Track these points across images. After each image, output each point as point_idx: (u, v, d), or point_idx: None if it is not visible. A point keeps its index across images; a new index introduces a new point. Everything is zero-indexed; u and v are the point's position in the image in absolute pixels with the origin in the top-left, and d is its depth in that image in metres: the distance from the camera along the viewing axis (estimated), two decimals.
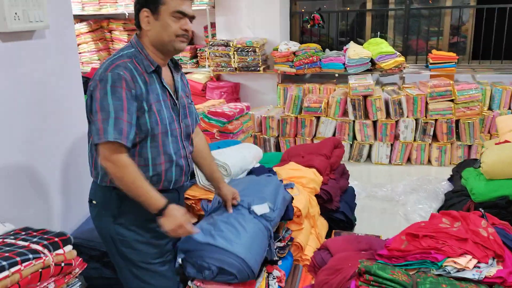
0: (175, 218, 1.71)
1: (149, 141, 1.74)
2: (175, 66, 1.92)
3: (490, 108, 4.89)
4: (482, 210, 1.93)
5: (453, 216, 1.78)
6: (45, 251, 1.50)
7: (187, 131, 1.90)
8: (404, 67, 5.13)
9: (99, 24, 6.26)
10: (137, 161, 1.74)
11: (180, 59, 5.92)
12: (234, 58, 5.45)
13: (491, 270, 1.54)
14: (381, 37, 5.72)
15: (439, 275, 1.55)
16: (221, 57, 5.54)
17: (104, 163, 1.66)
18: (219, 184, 2.16)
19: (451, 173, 4.06)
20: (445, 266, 1.57)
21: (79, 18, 6.10)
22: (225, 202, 2.19)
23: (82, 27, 6.05)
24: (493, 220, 1.91)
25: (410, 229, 1.75)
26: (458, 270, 1.55)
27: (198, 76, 5.80)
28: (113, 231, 1.81)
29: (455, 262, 1.56)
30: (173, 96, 1.82)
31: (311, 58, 5.21)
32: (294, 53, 5.30)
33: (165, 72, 1.84)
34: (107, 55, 6.10)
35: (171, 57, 1.87)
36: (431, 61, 5.08)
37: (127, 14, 5.89)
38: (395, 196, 4.05)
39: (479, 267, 1.56)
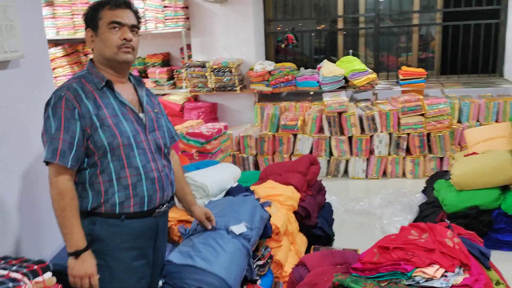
0: (88, 266, 1.68)
1: (109, 155, 1.73)
2: (138, 82, 1.93)
3: (459, 121, 5.07)
4: (448, 221, 2.02)
5: (421, 227, 1.87)
6: (25, 279, 1.51)
7: (157, 144, 1.86)
8: (376, 84, 5.30)
9: (74, 48, 6.27)
10: (101, 179, 1.73)
11: (157, 81, 5.97)
12: (210, 78, 5.53)
13: (457, 278, 1.62)
14: (353, 54, 5.89)
15: (409, 285, 1.63)
16: (198, 78, 5.61)
17: (49, 184, 1.70)
18: (191, 206, 2.17)
19: (425, 185, 4.19)
20: (414, 276, 1.65)
21: (54, 43, 6.10)
22: (200, 223, 2.21)
23: (58, 51, 6.04)
24: (459, 230, 2.01)
25: (382, 242, 1.82)
26: (427, 280, 1.63)
27: (176, 97, 5.85)
28: None
29: (423, 272, 1.64)
30: (134, 110, 1.81)
31: (286, 77, 5.33)
32: (269, 72, 5.41)
33: (125, 88, 1.85)
34: None
35: (124, 71, 1.85)
36: (401, 77, 5.25)
37: None
38: (372, 210, 4.14)
39: (446, 276, 1.64)
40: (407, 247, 1.72)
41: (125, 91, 1.84)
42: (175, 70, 6.04)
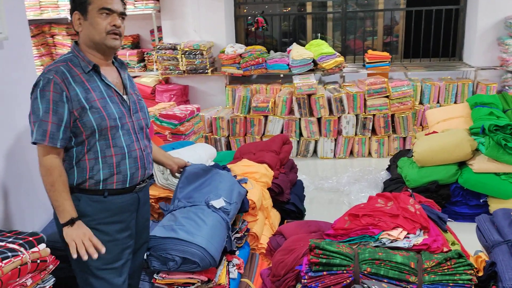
0: (84, 229, 1.78)
1: (97, 135, 1.81)
2: (121, 65, 2.03)
3: (421, 103, 5.35)
4: (411, 190, 2.23)
5: (387, 196, 2.07)
6: (22, 249, 1.60)
7: (139, 125, 1.97)
8: (344, 67, 5.49)
9: (40, 29, 6.15)
10: (87, 157, 1.83)
11: (128, 63, 5.95)
12: (182, 61, 5.57)
13: (418, 239, 1.83)
14: (321, 38, 6.05)
15: (376, 246, 1.82)
16: (169, 60, 5.64)
17: (38, 163, 1.78)
18: (168, 158, 2.35)
19: (389, 163, 4.45)
20: (381, 238, 1.85)
21: None
22: (171, 170, 2.37)
23: None
24: (420, 198, 2.22)
25: (352, 210, 2.01)
26: (392, 241, 1.84)
27: (147, 79, 5.87)
28: None
29: (389, 235, 1.84)
30: (119, 92, 1.91)
31: (257, 60, 5.44)
32: (240, 55, 5.50)
33: (110, 71, 1.94)
34: (50, 60, 6.01)
35: (110, 55, 1.93)
36: (367, 60, 5.46)
37: (70, 19, 5.83)
38: (340, 187, 4.36)
39: (408, 237, 1.85)
40: (375, 214, 1.92)
41: (110, 74, 1.93)
42: (145, 53, 6.04)
